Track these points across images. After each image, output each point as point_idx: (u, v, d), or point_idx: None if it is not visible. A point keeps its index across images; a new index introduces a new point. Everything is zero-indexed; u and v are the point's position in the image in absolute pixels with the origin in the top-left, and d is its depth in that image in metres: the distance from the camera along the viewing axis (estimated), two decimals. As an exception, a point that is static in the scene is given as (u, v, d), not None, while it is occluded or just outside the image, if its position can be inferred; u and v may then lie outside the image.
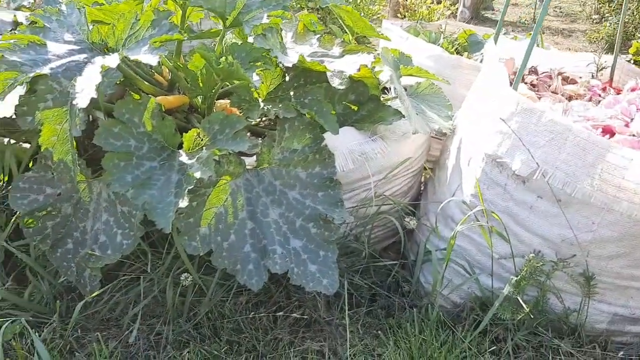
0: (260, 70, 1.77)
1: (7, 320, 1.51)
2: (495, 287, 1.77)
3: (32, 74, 1.53)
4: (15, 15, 2.10)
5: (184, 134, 1.66)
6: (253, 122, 1.96)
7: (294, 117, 1.78)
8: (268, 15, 1.92)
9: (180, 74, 1.94)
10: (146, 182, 1.53)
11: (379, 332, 1.73)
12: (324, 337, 1.71)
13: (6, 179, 1.76)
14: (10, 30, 2.06)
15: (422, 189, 2.42)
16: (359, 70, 1.87)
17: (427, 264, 1.95)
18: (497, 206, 1.72)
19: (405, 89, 2.13)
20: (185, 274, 1.67)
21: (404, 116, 1.95)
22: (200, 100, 1.97)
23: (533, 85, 2.40)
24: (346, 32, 2.37)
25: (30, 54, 1.59)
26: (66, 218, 1.70)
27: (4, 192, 1.73)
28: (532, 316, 1.67)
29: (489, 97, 1.92)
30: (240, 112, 1.84)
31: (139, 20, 1.69)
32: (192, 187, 1.48)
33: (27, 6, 2.24)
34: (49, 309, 1.69)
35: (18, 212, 1.65)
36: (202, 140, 1.65)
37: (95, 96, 1.45)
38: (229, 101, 1.97)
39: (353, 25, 2.30)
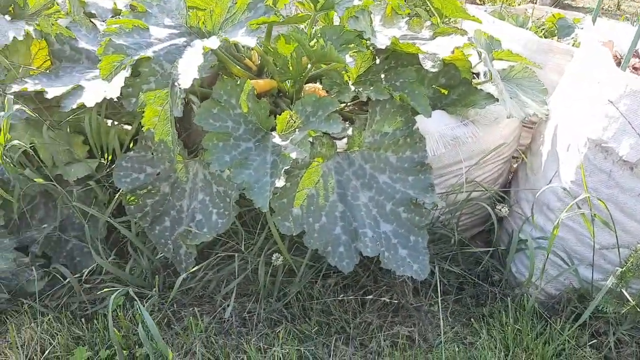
0: (353, 52, 1.76)
1: (112, 291, 1.58)
2: (595, 279, 1.69)
3: (136, 57, 1.59)
4: (115, 3, 2.20)
5: (277, 116, 1.68)
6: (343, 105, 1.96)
7: (385, 100, 1.75)
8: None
9: (269, 58, 1.96)
10: (243, 162, 1.56)
11: (471, 320, 1.69)
12: (413, 322, 1.69)
13: (110, 158, 1.84)
14: (112, 17, 2.15)
15: (510, 176, 2.34)
16: (452, 52, 1.83)
17: (519, 253, 1.88)
18: (601, 194, 1.64)
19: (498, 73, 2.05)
20: (277, 254, 1.69)
21: (496, 100, 1.89)
22: (289, 84, 1.98)
23: (635, 69, 2.25)
24: (434, 15, 2.31)
25: (135, 38, 1.66)
26: (164, 197, 1.77)
27: (108, 170, 1.81)
28: (638, 309, 1.57)
29: (589, 80, 1.82)
30: (330, 96, 1.83)
31: (236, 4, 1.72)
32: (288, 167, 1.50)
33: (125, -5, 2.33)
34: (147, 282, 1.76)
35: (121, 190, 1.73)
36: (294, 122, 1.67)
37: (198, 77, 1.50)
38: (316, 85, 1.98)
39: (442, 7, 2.24)
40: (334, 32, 1.81)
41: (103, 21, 2.06)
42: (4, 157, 1.54)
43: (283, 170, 1.49)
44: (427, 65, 1.83)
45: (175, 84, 1.56)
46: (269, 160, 1.58)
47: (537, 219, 1.83)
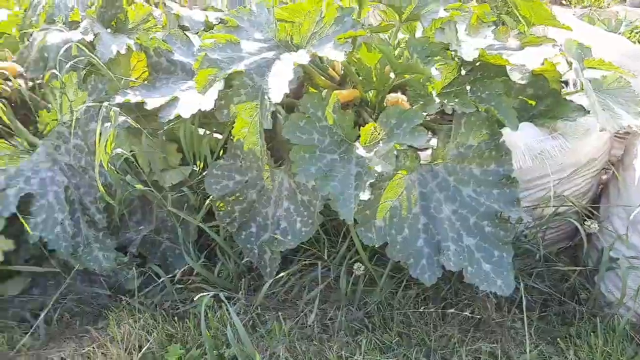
0: (440, 65, 1.75)
1: (202, 293, 1.67)
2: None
3: (229, 71, 1.67)
4: (207, 16, 2.31)
5: (360, 127, 1.71)
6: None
7: (471, 112, 1.74)
8: (445, 9, 1.90)
9: (352, 68, 1.99)
10: (328, 174, 1.60)
11: (557, 339, 1.65)
12: (496, 338, 1.67)
13: (202, 165, 1.94)
14: (204, 30, 2.26)
15: (599, 189, 2.24)
16: (542, 63, 1.78)
17: (609, 272, 1.81)
18: (703, 214, 1.55)
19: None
20: (358, 263, 1.73)
21: (587, 112, 1.83)
22: (372, 94, 2.01)
23: None
24: (520, 22, 2.26)
25: (228, 52, 1.74)
26: (251, 204, 1.84)
27: (199, 178, 1.91)
28: None
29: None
30: (414, 107, 1.84)
31: (324, 17, 1.77)
32: (373, 180, 1.52)
33: (216, 7, 2.44)
34: (233, 285, 1.85)
35: (211, 196, 1.82)
36: (378, 134, 1.69)
37: (288, 91, 1.55)
38: (399, 95, 1.99)
39: (530, 15, 2.19)
40: (419, 44, 1.82)
41: (196, 33, 2.17)
42: (109, 164, 1.67)
43: (368, 183, 1.52)
44: (515, 77, 1.80)
45: (266, 97, 1.62)
46: (353, 172, 1.61)
47: (631, 237, 1.76)
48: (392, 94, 2.06)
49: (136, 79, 2.11)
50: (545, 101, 1.94)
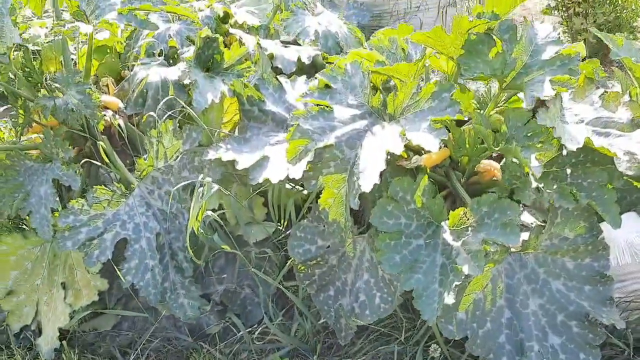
0: (540, 155, 1.65)
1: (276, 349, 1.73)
2: None
3: (321, 144, 1.67)
4: (299, 56, 2.29)
5: (450, 212, 1.66)
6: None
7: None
8: (551, 80, 1.77)
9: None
10: (413, 264, 1.58)
11: None
12: None
13: (286, 224, 1.97)
14: (295, 72, 2.25)
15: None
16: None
17: None
18: None
19: None
20: (435, 345, 1.71)
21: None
22: (464, 159, 1.94)
23: None
24: (635, 85, 2.08)
25: (319, 121, 1.73)
26: (331, 268, 1.86)
27: (283, 236, 1.94)
28: None
29: None
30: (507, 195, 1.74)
31: (421, 91, 1.71)
32: (459, 282, 1.49)
33: (307, 41, 2.41)
34: (309, 345, 1.89)
35: (293, 258, 1.85)
36: (468, 219, 1.64)
37: (379, 182, 1.53)
38: (493, 164, 1.91)
39: (647, 79, 2.02)
40: (519, 117, 1.74)
41: (288, 77, 2.16)
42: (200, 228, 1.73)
43: (454, 285, 1.49)
44: (622, 166, 1.68)
45: (355, 178, 1.61)
46: (438, 262, 1.58)
47: None
48: (486, 161, 1.99)
49: (228, 120, 2.15)
50: (654, 184, 1.81)
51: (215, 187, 1.70)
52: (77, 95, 1.97)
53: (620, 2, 4.66)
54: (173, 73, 2.18)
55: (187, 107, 1.96)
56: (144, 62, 2.25)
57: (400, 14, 5.12)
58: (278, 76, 2.15)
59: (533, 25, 1.91)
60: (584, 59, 2.01)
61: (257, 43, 2.24)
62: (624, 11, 4.68)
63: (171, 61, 2.34)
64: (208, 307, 1.93)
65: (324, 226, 1.85)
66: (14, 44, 1.92)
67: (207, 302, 1.95)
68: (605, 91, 1.98)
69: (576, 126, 1.79)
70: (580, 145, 1.64)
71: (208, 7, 2.48)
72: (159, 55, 2.33)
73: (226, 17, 2.61)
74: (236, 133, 2.05)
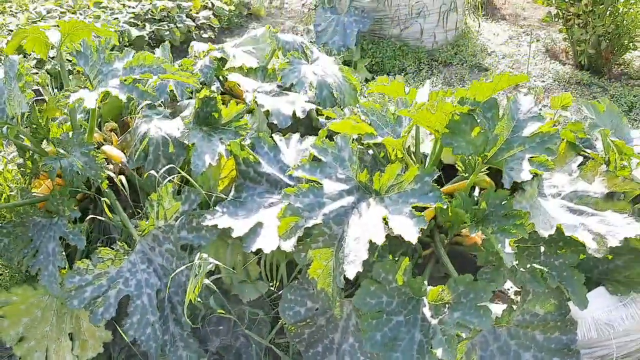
0: (513, 241, 1.75)
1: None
2: None
3: (310, 224, 1.78)
4: (294, 110, 2.37)
5: (430, 288, 1.78)
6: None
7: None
8: (530, 160, 1.87)
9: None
10: (392, 342, 1.71)
11: None
12: None
13: (278, 284, 2.10)
14: (290, 127, 2.34)
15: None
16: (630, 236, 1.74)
17: None
18: None
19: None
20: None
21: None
22: (447, 224, 2.05)
23: None
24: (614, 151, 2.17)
25: (309, 198, 1.84)
26: (320, 328, 2.00)
27: (275, 296, 2.08)
28: None
29: None
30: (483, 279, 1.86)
31: (404, 173, 1.82)
32: (434, 366, 1.62)
33: (302, 92, 2.48)
34: (298, 396, 2.05)
35: (283, 320, 1.99)
36: (446, 296, 1.76)
37: (362, 270, 1.65)
38: (476, 238, 2.02)
39: (623, 146, 2.10)
40: (497, 196, 1.84)
41: (283, 133, 2.26)
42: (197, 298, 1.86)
43: (429, 368, 1.62)
44: (592, 247, 1.78)
45: (341, 254, 1.73)
46: (416, 340, 1.71)
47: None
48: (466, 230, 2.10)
49: (225, 176, 2.26)
50: (623, 257, 1.92)
51: (211, 263, 1.82)
52: (82, 157, 2.08)
53: (620, 14, 4.67)
54: (173, 128, 2.27)
55: (185, 175, 2.07)
56: (146, 115, 2.34)
57: (401, 19, 5.15)
58: (273, 135, 2.25)
59: (516, 99, 2.00)
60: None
61: (254, 100, 2.33)
62: (624, 22, 4.69)
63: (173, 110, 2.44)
64: (204, 357, 2.08)
65: (314, 290, 1.98)
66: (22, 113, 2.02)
67: (204, 354, 2.09)
68: (586, 158, 2.08)
69: (552, 203, 1.89)
70: (553, 232, 1.75)
71: (204, 55, 2.55)
72: (159, 106, 2.42)
73: (224, 60, 2.69)
74: (233, 190, 2.16)
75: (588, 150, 2.20)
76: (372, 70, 4.93)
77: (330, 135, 2.10)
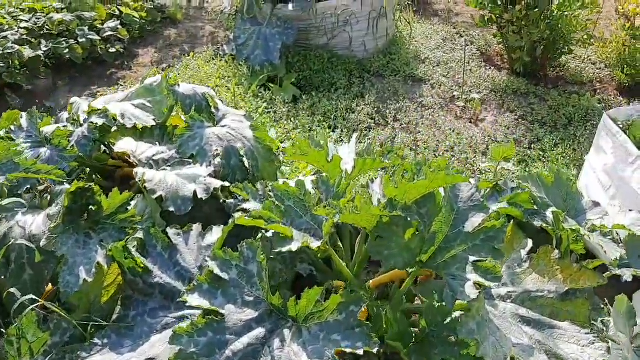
0: None
1: None
2: None
3: (208, 375, 1.41)
4: (195, 189, 1.96)
5: None
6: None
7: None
8: (475, 266, 1.55)
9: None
10: None
11: None
12: None
13: None
14: (193, 210, 1.93)
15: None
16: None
17: None
18: None
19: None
20: None
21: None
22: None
23: None
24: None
25: (208, 336, 1.46)
26: None
27: None
28: None
29: None
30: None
31: (327, 302, 1.46)
32: None
33: (205, 165, 2.06)
34: None
35: None
36: None
37: None
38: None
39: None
40: (439, 313, 1.53)
41: (181, 226, 1.86)
42: None
43: None
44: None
45: None
46: None
47: None
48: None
49: (110, 284, 1.83)
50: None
51: None
52: None
53: (555, 17, 4.46)
54: (42, 226, 1.82)
55: (49, 305, 1.64)
56: (5, 209, 1.87)
57: (328, 28, 4.75)
58: (168, 229, 1.84)
59: (455, 186, 1.67)
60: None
61: (143, 185, 1.89)
62: (559, 26, 4.48)
63: (45, 197, 1.97)
64: None
65: None
66: None
67: None
68: (537, 252, 1.80)
69: (502, 313, 1.60)
70: (506, 365, 1.45)
71: (76, 123, 2.09)
72: (26, 193, 1.95)
73: (113, 120, 2.22)
74: (119, 304, 1.75)
75: (538, 224, 1.92)
76: (300, 85, 4.53)
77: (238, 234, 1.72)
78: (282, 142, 3.68)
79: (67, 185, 1.90)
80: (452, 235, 1.61)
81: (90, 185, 1.80)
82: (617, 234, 1.98)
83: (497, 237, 1.58)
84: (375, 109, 4.18)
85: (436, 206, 1.60)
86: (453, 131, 3.94)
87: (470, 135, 3.88)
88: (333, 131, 3.90)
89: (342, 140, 3.77)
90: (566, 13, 4.43)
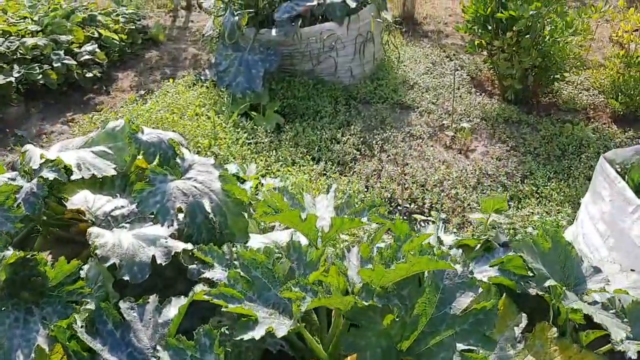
0: None
1: None
2: None
3: None
4: (153, 256, 1.77)
5: None
6: None
7: None
8: (462, 355, 1.37)
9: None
10: None
11: None
12: None
13: None
14: (151, 277, 1.73)
15: None
16: None
17: None
18: None
19: None
20: None
21: None
22: None
23: None
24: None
25: None
26: None
27: None
28: None
29: None
30: None
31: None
32: None
33: (167, 224, 1.87)
34: None
35: None
36: None
37: None
38: None
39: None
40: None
41: (136, 297, 1.66)
42: None
43: None
44: None
45: None
46: None
47: None
48: None
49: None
50: None
51: None
52: None
53: (547, 44, 4.32)
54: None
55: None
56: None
57: (313, 54, 4.59)
58: (121, 303, 1.65)
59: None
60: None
61: (94, 252, 1.70)
62: (551, 52, 4.34)
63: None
64: None
65: None
66: None
67: None
68: (535, 328, 1.62)
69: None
70: None
71: (27, 176, 1.89)
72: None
73: (69, 171, 2.03)
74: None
75: (533, 291, 1.74)
76: (284, 113, 4.35)
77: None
78: (263, 177, 3.50)
79: (9, 252, 1.70)
80: (437, 318, 1.43)
81: (33, 255, 1.60)
82: (620, 300, 1.81)
83: (488, 321, 1.40)
84: (361, 139, 4.01)
85: (418, 286, 1.42)
86: (442, 163, 3.77)
87: (460, 167, 3.72)
88: (317, 163, 3.72)
89: (325, 174, 3.60)
90: (558, 39, 4.29)
